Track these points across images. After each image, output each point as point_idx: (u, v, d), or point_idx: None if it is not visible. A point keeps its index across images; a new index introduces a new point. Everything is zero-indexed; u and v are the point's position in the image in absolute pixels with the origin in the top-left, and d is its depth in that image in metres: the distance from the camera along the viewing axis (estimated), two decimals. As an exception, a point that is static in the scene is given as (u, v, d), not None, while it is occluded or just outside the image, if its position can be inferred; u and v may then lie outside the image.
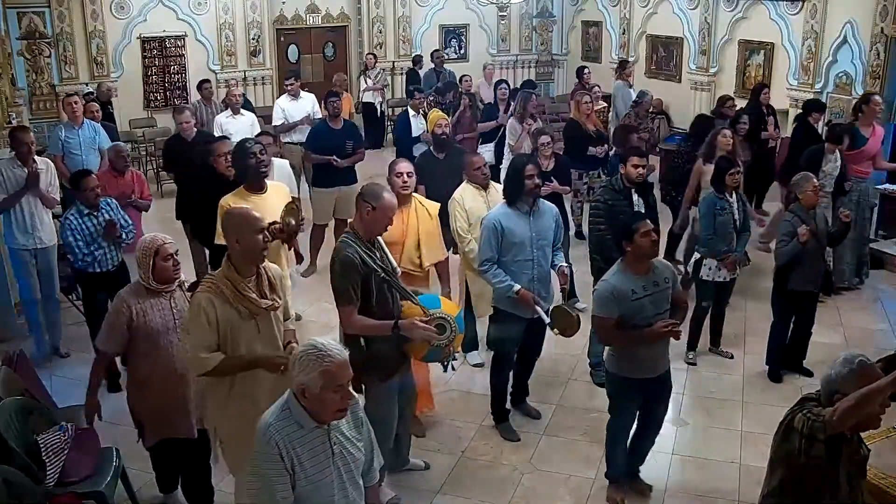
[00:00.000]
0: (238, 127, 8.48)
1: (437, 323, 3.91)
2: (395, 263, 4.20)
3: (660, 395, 4.37)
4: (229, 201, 4.77)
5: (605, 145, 8.25)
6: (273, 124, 9.20)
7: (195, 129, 7.79)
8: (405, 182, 4.87)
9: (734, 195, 5.89)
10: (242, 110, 8.91)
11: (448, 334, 3.94)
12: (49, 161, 6.39)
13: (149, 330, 3.85)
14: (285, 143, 8.85)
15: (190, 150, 7.12)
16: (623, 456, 4.47)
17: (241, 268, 3.51)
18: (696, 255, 6.00)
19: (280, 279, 3.72)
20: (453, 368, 4.28)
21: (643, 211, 5.46)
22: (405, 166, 4.96)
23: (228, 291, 3.46)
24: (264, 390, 3.51)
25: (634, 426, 4.47)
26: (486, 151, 8.60)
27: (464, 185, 5.62)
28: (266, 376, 3.53)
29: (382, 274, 3.93)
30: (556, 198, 6.45)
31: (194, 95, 11.30)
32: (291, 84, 9.37)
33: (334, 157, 7.45)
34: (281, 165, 6.44)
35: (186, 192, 7.11)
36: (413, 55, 13.81)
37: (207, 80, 10.60)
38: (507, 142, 8.46)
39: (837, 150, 7.01)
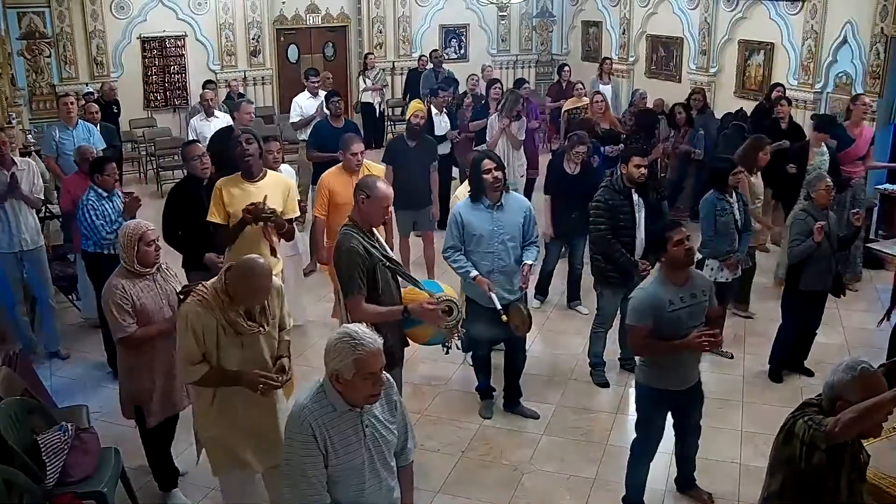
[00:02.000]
0: (212, 130, 8.41)
1: (445, 306, 3.96)
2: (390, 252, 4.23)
3: (691, 406, 4.27)
4: (223, 183, 4.99)
5: (620, 144, 8.21)
6: (290, 121, 9.39)
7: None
8: (359, 160, 5.75)
9: (734, 195, 5.89)
10: (217, 112, 9.08)
11: (455, 316, 4.01)
12: (31, 161, 6.26)
13: (143, 311, 3.96)
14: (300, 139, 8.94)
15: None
16: (644, 479, 4.35)
17: (235, 299, 3.46)
18: (699, 256, 5.98)
19: (277, 293, 3.66)
20: (458, 348, 4.40)
21: (644, 211, 5.47)
22: (359, 146, 5.78)
23: (216, 306, 3.43)
24: (244, 401, 3.54)
25: (673, 437, 4.38)
26: None
27: (466, 183, 5.64)
28: (246, 389, 3.52)
29: (388, 263, 3.99)
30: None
31: (195, 96, 11.27)
32: (318, 81, 9.40)
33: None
34: (287, 170, 6.49)
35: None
36: (418, 56, 13.68)
37: (212, 81, 10.64)
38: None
39: (825, 144, 7.12)
